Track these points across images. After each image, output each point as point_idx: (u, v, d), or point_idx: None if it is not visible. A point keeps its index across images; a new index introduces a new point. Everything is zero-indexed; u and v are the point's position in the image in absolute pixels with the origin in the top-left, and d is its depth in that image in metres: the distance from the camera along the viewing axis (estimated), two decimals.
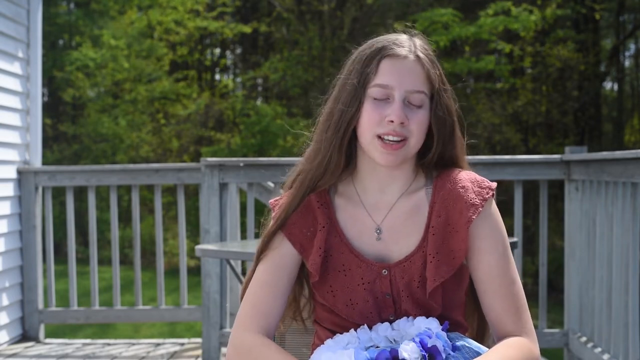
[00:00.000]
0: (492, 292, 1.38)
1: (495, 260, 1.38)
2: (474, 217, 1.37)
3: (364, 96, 1.37)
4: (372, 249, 1.41)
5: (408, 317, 1.37)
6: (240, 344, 1.38)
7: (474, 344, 1.33)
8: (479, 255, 1.38)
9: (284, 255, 1.43)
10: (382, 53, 1.37)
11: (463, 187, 1.40)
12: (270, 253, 1.43)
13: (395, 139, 1.35)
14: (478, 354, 1.30)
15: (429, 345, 1.23)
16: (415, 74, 1.37)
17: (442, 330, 1.30)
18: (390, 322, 1.37)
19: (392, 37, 1.42)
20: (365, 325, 1.36)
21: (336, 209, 1.45)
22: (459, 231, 1.37)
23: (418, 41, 1.42)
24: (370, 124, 1.36)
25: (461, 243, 1.36)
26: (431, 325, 1.30)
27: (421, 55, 1.39)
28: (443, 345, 1.23)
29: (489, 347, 1.35)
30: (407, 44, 1.39)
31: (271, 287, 1.41)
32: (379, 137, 1.36)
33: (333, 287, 1.40)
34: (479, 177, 1.43)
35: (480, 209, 1.37)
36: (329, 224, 1.43)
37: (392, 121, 1.34)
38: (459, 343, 1.31)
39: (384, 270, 1.39)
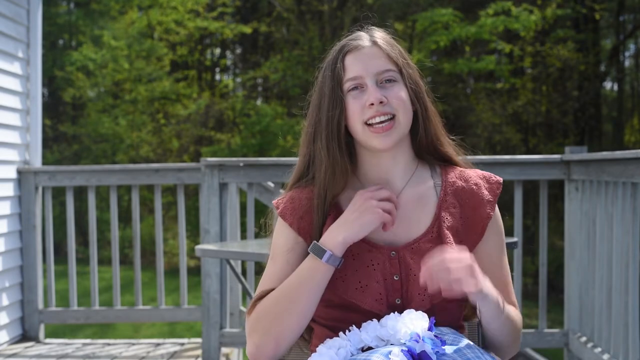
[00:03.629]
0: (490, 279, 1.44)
1: (496, 253, 1.50)
2: (491, 213, 1.48)
3: (342, 95, 1.45)
4: (378, 235, 1.46)
5: (399, 311, 1.40)
6: (250, 319, 1.44)
7: (459, 336, 1.35)
8: (483, 245, 1.48)
9: (294, 250, 1.47)
10: (343, 51, 1.48)
11: (476, 184, 1.50)
12: (283, 250, 1.49)
13: (382, 118, 1.42)
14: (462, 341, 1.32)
15: (418, 351, 1.23)
16: (377, 57, 1.46)
17: (430, 325, 1.31)
18: (397, 306, 1.41)
19: (350, 35, 1.52)
20: (354, 327, 1.37)
21: (342, 201, 1.50)
22: (475, 225, 1.47)
23: (376, 31, 1.52)
24: (355, 115, 1.44)
25: (475, 236, 1.47)
26: (418, 323, 1.31)
27: (377, 40, 1.48)
28: (432, 348, 1.24)
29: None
30: (364, 36, 1.50)
31: (281, 279, 1.45)
32: (367, 124, 1.43)
33: (342, 272, 1.44)
34: (485, 173, 1.54)
35: (495, 205, 1.49)
36: (335, 214, 1.47)
37: (372, 104, 1.42)
38: (446, 337, 1.32)
39: (392, 252, 1.44)
